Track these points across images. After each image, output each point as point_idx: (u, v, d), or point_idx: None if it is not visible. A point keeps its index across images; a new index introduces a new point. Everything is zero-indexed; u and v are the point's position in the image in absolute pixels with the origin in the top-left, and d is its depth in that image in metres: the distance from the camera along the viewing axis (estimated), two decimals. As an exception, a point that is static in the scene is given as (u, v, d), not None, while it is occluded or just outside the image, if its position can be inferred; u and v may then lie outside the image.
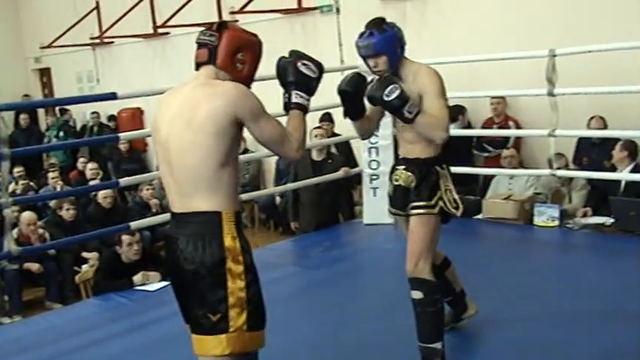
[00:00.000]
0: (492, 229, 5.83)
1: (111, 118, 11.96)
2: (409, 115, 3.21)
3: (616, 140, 5.85)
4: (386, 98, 3.17)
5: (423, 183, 3.38)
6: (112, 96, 5.14)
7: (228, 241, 2.38)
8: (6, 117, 5.51)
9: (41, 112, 13.76)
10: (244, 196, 5.84)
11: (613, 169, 5.89)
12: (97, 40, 12.11)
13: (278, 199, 8.33)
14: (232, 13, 9.23)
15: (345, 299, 4.50)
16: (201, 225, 2.40)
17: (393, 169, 3.56)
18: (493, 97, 6.94)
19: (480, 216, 5.99)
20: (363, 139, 4.48)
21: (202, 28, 2.58)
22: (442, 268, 3.64)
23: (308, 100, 2.64)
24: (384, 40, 3.30)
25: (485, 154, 7.12)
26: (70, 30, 12.14)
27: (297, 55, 2.69)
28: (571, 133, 6.05)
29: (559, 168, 5.75)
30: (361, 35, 3.36)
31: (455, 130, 6.98)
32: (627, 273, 4.51)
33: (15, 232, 5.85)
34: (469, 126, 7.28)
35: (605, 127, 6.23)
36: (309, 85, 2.65)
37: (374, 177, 6.27)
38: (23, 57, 14.43)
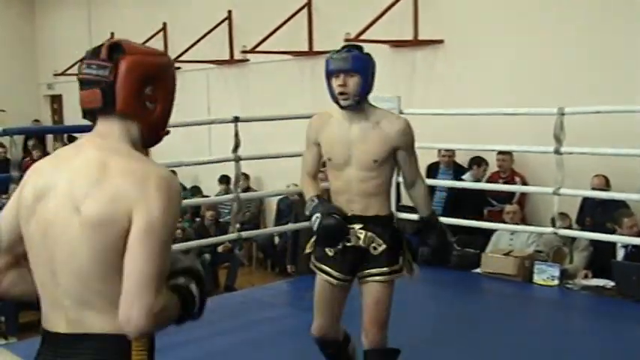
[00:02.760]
0: (490, 284, 5.76)
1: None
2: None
3: (619, 202, 5.82)
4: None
5: (392, 246, 3.06)
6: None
7: None
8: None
9: (50, 137, 13.84)
10: (244, 234, 5.83)
11: (615, 231, 5.83)
12: (110, 71, 12.20)
13: (277, 239, 8.29)
14: (244, 52, 9.32)
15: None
16: (98, 354, 1.63)
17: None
18: (499, 153, 6.91)
19: (478, 270, 5.93)
20: None
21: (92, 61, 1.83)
22: (345, 343, 3.34)
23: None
24: (363, 59, 2.99)
25: (489, 208, 7.07)
26: (84, 59, 12.28)
27: None
28: (576, 193, 5.95)
29: (563, 227, 5.70)
30: (337, 51, 3.02)
31: (464, 183, 6.89)
32: (626, 338, 4.46)
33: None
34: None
35: (607, 185, 6.20)
36: None
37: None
38: (36, 83, 14.59)
